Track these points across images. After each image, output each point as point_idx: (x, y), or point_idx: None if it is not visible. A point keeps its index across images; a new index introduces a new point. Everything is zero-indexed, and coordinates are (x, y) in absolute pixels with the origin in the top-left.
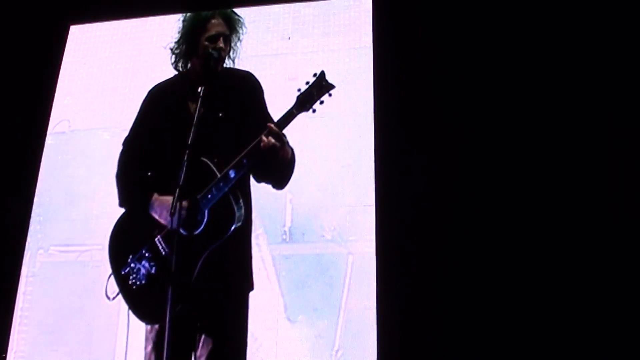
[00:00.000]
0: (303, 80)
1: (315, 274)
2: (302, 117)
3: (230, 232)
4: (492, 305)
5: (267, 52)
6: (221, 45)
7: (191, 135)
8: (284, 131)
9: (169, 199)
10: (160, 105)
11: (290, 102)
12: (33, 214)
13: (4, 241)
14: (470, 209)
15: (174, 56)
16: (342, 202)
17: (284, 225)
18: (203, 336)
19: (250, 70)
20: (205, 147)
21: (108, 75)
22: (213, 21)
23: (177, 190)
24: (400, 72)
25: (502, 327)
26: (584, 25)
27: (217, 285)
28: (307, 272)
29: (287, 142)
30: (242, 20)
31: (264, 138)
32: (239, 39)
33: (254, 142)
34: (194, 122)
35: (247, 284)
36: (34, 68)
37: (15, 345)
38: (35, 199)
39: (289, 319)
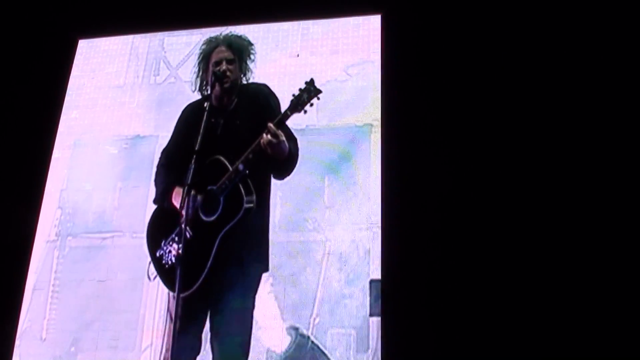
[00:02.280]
0: None
1: (298, 255)
2: (312, 135)
3: (240, 215)
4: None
5: (276, 69)
6: (224, 67)
7: (199, 140)
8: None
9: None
10: (188, 120)
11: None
12: (64, 207)
13: (17, 233)
14: (482, 234)
15: (193, 75)
16: (323, 204)
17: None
18: (217, 309)
19: None
20: (224, 149)
21: (115, 89)
22: (217, 49)
23: (186, 187)
24: (409, 90)
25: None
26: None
27: (233, 266)
28: (292, 254)
29: (284, 140)
30: (246, 42)
31: (264, 135)
32: (249, 58)
33: (257, 140)
34: (201, 130)
35: (262, 266)
36: (42, 81)
37: (47, 324)
38: (64, 194)
39: (277, 291)
